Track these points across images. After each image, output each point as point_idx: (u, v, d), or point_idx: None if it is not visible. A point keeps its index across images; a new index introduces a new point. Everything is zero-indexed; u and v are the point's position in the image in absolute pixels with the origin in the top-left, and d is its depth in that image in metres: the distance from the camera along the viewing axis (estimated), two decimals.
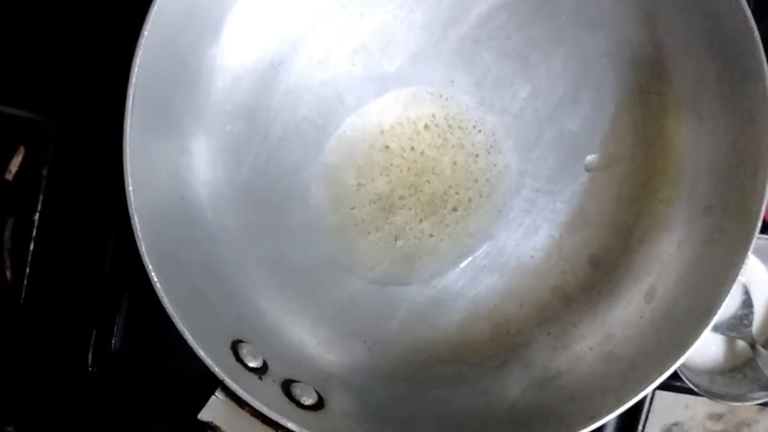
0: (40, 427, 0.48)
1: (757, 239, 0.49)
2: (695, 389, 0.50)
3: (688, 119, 0.42)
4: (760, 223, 0.37)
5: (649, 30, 0.42)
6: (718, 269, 0.39)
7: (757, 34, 0.37)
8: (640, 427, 0.52)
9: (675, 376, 0.49)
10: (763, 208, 0.37)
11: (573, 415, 0.38)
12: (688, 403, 0.55)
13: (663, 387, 0.53)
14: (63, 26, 0.47)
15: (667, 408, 0.58)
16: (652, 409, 0.56)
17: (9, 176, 0.48)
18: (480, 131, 0.44)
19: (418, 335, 0.44)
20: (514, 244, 0.45)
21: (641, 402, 0.49)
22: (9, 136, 0.48)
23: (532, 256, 0.45)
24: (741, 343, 0.53)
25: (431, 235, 0.44)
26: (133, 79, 0.35)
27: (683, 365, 0.51)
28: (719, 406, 0.55)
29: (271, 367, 0.39)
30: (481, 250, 0.45)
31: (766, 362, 0.51)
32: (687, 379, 0.50)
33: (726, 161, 0.40)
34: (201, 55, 0.40)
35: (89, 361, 0.47)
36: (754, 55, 0.37)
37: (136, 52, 0.35)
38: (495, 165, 0.45)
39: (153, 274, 0.35)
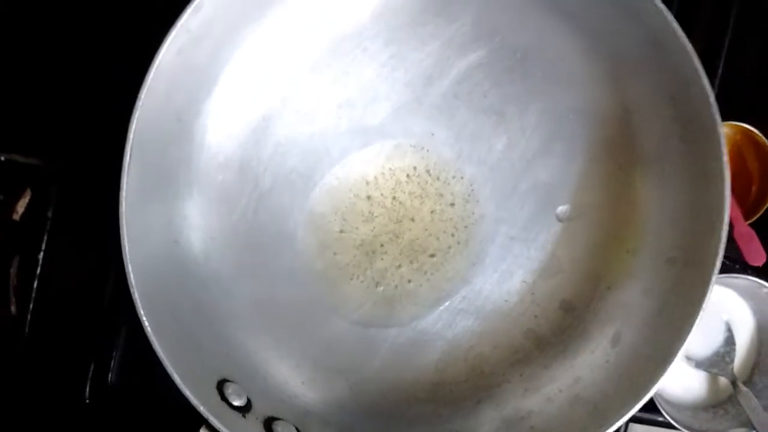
0: None
1: (740, 279, 0.51)
2: (677, 425, 0.51)
3: (653, 175, 0.44)
4: (714, 278, 0.39)
5: (615, 89, 0.44)
6: (677, 318, 0.41)
7: (713, 99, 0.39)
8: None
9: (658, 411, 0.51)
10: (718, 264, 0.39)
11: None
12: None
13: (646, 422, 0.54)
14: (67, 80, 0.50)
15: None
16: None
17: (16, 217, 0.51)
18: (458, 182, 0.47)
19: (398, 375, 0.46)
20: (489, 288, 0.47)
21: None
22: (17, 180, 0.50)
23: (506, 300, 0.47)
24: (723, 380, 0.54)
25: (410, 281, 0.47)
26: (131, 137, 0.37)
27: (666, 401, 0.52)
28: None
29: (255, 405, 0.41)
30: (458, 295, 0.47)
31: (747, 399, 0.52)
32: (669, 415, 0.51)
33: (687, 217, 0.42)
34: (195, 111, 0.43)
35: (87, 393, 0.48)
36: (711, 120, 0.39)
37: (133, 113, 0.37)
38: (472, 213, 0.47)
39: (144, 319, 0.37)
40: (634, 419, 0.53)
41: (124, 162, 0.37)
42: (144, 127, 0.38)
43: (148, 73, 0.37)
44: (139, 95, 0.37)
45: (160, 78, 0.38)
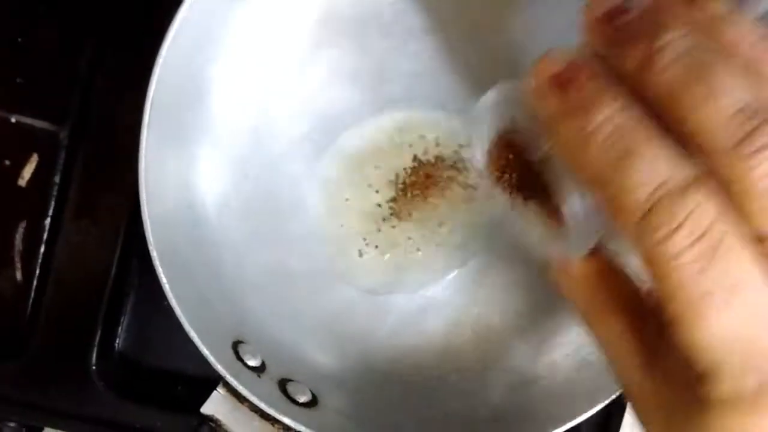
0: (42, 422, 0.50)
1: None
2: None
3: None
4: None
5: None
6: None
7: None
8: None
9: None
10: None
11: (548, 416, 0.41)
12: None
13: None
14: (77, 42, 0.50)
15: None
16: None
17: (22, 182, 0.50)
18: (469, 152, 0.47)
19: (407, 341, 0.47)
20: (498, 257, 0.47)
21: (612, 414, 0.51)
22: (23, 144, 0.50)
23: (514, 269, 0.48)
24: None
25: (419, 249, 0.47)
26: (150, 95, 0.38)
27: None
28: None
29: (269, 366, 0.42)
30: (466, 264, 0.47)
31: None
32: None
33: None
34: (210, 74, 0.43)
35: (93, 360, 0.48)
36: None
37: (153, 71, 0.37)
38: (482, 184, 0.48)
39: (163, 277, 0.37)
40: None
41: (143, 120, 0.37)
42: (162, 88, 0.38)
43: (169, 31, 0.37)
44: (159, 52, 0.37)
45: (180, 38, 0.38)
